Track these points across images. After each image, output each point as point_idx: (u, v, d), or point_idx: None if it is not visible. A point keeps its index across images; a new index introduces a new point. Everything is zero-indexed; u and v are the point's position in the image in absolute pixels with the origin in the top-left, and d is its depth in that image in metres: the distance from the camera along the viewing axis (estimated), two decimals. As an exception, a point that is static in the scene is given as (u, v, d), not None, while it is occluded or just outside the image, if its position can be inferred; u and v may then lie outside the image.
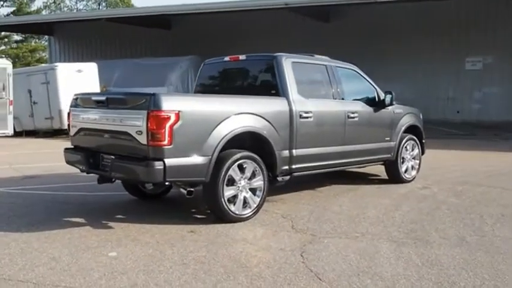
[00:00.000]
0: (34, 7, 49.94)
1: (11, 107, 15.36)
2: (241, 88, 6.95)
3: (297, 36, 22.49)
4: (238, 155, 5.69)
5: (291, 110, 6.31)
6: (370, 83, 7.82)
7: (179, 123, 5.14)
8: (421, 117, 9.00)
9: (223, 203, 5.58)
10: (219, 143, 5.46)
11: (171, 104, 5.15)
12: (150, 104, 5.08)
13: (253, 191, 5.91)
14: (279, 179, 6.28)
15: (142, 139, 5.11)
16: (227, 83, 7.20)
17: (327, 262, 4.40)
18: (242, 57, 6.95)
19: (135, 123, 5.18)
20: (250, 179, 5.86)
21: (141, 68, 19.47)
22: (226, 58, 7.13)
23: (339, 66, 7.42)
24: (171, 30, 25.90)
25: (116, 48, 26.86)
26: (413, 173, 8.51)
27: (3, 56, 49.45)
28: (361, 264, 4.36)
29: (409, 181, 8.33)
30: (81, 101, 6.18)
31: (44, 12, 50.52)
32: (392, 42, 22.02)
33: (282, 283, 3.92)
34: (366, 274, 4.12)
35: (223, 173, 5.54)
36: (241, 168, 5.76)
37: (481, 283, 3.95)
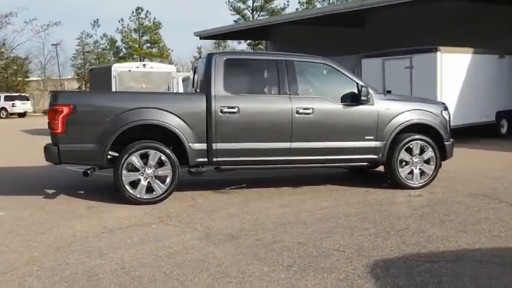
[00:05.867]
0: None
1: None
2: (199, 84, 7.48)
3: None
4: (138, 145, 6.43)
5: (208, 106, 6.62)
6: (350, 78, 7.22)
7: (72, 115, 6.25)
8: (446, 115, 7.63)
9: (122, 186, 6.41)
10: (114, 132, 6.32)
11: (65, 99, 6.33)
12: (51, 99, 6.35)
13: (162, 178, 6.53)
14: (193, 170, 6.70)
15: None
16: (197, 80, 7.76)
17: (101, 240, 4.95)
18: (203, 56, 7.49)
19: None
20: (157, 167, 6.50)
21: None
22: (200, 58, 7.77)
23: (301, 61, 7.17)
24: (364, 28, 25.88)
25: (318, 48, 28.14)
26: (423, 179, 7.38)
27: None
28: (121, 245, 4.76)
29: (414, 187, 7.31)
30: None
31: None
32: None
33: (25, 248, 4.73)
34: (96, 252, 4.55)
35: (122, 159, 6.39)
36: (146, 157, 6.47)
37: (164, 276, 3.96)
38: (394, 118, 7.26)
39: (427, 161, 7.42)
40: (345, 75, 7.25)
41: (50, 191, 7.39)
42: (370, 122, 7.18)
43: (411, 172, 7.38)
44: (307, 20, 26.03)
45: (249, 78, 7.04)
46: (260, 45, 55.48)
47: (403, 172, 7.33)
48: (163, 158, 6.48)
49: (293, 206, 6.37)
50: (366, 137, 7.18)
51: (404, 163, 7.35)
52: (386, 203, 6.56)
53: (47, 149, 6.39)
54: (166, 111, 6.51)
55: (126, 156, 6.38)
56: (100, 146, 6.34)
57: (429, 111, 7.52)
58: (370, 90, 7.16)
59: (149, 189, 6.50)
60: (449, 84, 12.91)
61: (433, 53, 12.80)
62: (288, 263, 4.23)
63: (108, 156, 6.50)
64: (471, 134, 13.69)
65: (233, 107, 6.69)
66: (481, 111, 13.78)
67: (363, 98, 6.95)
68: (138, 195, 6.45)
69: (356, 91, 7.09)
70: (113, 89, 16.17)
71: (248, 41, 52.76)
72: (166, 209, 6.25)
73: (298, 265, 4.17)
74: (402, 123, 7.29)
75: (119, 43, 55.88)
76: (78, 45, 57.13)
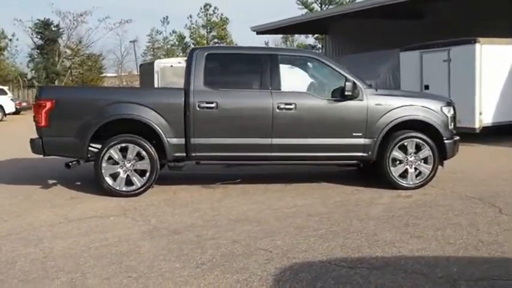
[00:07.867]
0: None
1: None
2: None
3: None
4: (117, 139, 6.59)
5: (186, 101, 6.64)
6: (339, 73, 6.91)
7: (55, 109, 6.52)
8: (447, 112, 7.08)
9: (101, 177, 6.59)
10: (94, 126, 6.52)
11: (48, 94, 6.60)
12: (36, 94, 6.66)
13: (141, 172, 6.65)
14: (171, 164, 6.76)
15: (37, 122, 6.75)
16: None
17: (52, 230, 5.14)
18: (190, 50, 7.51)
19: (38, 110, 6.86)
20: (137, 161, 6.63)
21: (354, 62, 19.74)
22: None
23: (286, 56, 7.01)
24: (422, 19, 24.66)
25: (375, 42, 27.25)
26: (419, 179, 6.95)
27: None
28: (64, 236, 4.92)
29: (408, 188, 6.90)
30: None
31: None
32: None
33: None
34: (35, 241, 4.74)
35: (101, 153, 6.58)
36: (126, 151, 6.62)
37: (73, 267, 4.05)
38: (385, 114, 6.88)
39: (425, 160, 6.98)
40: (334, 69, 6.96)
41: (51, 181, 7.75)
42: (358, 118, 6.85)
43: (406, 171, 6.98)
44: (363, 12, 25.20)
45: (230, 73, 6.98)
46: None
47: (396, 171, 6.94)
48: (143, 152, 6.60)
49: (265, 203, 6.24)
50: (354, 134, 6.87)
51: (397, 162, 6.96)
52: (365, 203, 6.25)
53: (32, 141, 6.73)
54: (144, 105, 6.61)
55: (105, 150, 6.57)
56: (81, 139, 6.57)
57: (426, 108, 7.03)
58: (359, 85, 6.84)
59: (129, 182, 6.64)
60: (489, 78, 11.98)
61: (472, 45, 11.93)
62: (204, 260, 4.16)
63: (93, 149, 6.74)
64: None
65: (211, 102, 6.66)
66: (529, 108, 12.67)
67: (347, 92, 6.64)
68: (117, 188, 6.61)
69: (343, 86, 6.80)
70: (155, 84, 16.68)
71: (316, 35, 52.08)
72: (140, 201, 6.36)
73: (212, 263, 4.09)
74: (394, 119, 6.89)
75: (187, 39, 57.04)
76: (149, 42, 59.19)
